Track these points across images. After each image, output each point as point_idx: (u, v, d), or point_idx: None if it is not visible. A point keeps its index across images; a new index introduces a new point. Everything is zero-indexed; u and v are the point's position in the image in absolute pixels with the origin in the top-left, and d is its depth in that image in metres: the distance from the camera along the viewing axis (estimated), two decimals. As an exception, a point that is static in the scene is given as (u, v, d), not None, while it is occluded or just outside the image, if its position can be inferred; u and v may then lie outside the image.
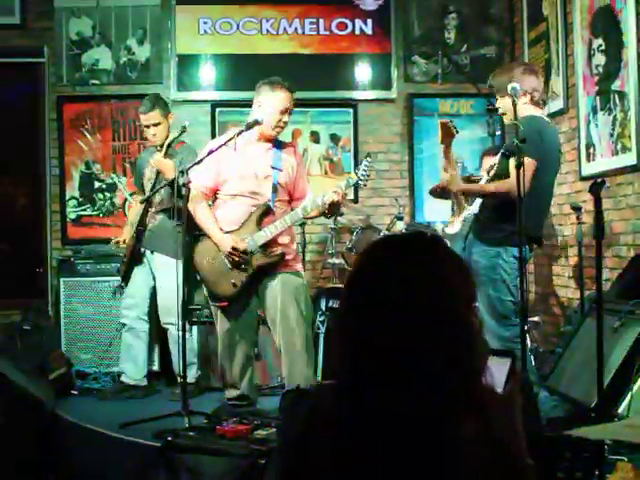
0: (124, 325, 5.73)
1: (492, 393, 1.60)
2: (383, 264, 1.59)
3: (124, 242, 5.88)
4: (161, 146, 5.53)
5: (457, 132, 4.51)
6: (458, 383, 1.51)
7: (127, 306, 5.74)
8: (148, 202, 5.57)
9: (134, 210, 6.01)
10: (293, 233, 4.94)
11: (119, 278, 5.83)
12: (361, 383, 1.54)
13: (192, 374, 5.62)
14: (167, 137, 5.57)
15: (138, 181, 6.00)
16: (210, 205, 4.90)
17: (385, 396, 1.50)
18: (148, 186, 5.64)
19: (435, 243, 1.65)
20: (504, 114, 4.59)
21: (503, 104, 4.54)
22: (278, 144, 4.87)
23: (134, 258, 5.68)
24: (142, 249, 5.68)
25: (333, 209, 4.67)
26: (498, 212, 4.36)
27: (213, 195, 4.87)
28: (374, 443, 1.49)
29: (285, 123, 4.79)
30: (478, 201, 4.76)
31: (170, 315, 5.41)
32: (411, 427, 1.48)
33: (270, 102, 4.73)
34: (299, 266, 4.86)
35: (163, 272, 5.51)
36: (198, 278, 4.96)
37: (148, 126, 5.64)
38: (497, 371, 1.69)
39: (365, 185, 4.70)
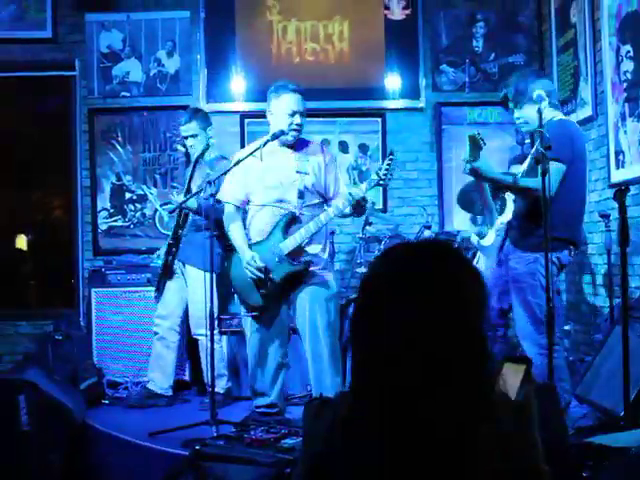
0: (156, 334, 5.77)
1: (505, 400, 1.60)
2: (396, 270, 1.59)
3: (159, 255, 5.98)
4: (197, 159, 5.68)
5: (485, 144, 4.48)
6: (472, 391, 1.51)
7: (160, 315, 5.79)
8: (184, 215, 5.62)
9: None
10: (326, 242, 4.86)
11: (150, 288, 5.90)
12: (374, 392, 1.54)
13: (222, 385, 5.65)
14: (206, 150, 5.68)
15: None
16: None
17: (398, 405, 1.50)
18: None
19: (449, 250, 1.64)
20: (525, 123, 4.55)
21: (521, 114, 4.52)
22: (303, 147, 4.84)
23: (166, 269, 5.74)
24: (175, 260, 5.72)
25: (358, 209, 4.61)
26: (533, 217, 4.28)
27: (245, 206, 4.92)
28: (389, 454, 1.49)
29: (299, 125, 4.72)
30: (509, 209, 4.72)
31: (201, 326, 5.42)
32: (425, 436, 1.48)
33: (278, 107, 4.74)
34: (330, 275, 4.80)
35: (195, 283, 5.55)
36: (232, 289, 4.99)
37: (186, 137, 5.74)
38: (512, 377, 1.68)
39: (387, 184, 4.58)
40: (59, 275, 7.28)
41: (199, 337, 5.62)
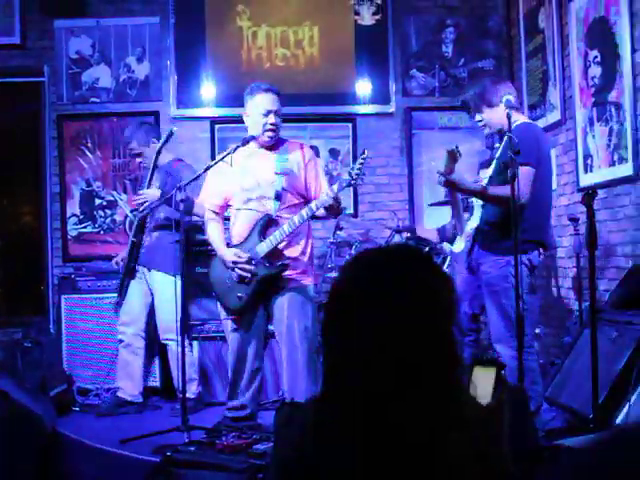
0: (121, 341, 5.74)
1: (476, 405, 1.60)
2: (366, 275, 1.59)
3: (121, 260, 5.92)
4: (154, 167, 5.66)
5: (461, 156, 4.52)
6: (443, 395, 1.51)
7: (124, 323, 5.75)
8: (143, 219, 5.61)
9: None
10: (306, 246, 4.78)
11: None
12: (345, 396, 1.54)
13: (192, 390, 5.62)
14: (157, 159, 5.64)
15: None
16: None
17: (369, 410, 1.50)
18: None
19: (419, 255, 1.65)
20: (485, 126, 4.65)
21: (482, 117, 4.61)
22: (282, 147, 4.79)
23: (128, 274, 5.72)
24: (136, 266, 5.71)
25: (332, 211, 4.59)
26: (504, 221, 4.29)
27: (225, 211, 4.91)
28: (361, 458, 1.49)
29: (274, 125, 4.67)
30: (477, 215, 4.73)
31: (170, 331, 5.42)
32: (396, 440, 1.48)
33: (252, 109, 4.71)
34: (309, 280, 4.76)
35: (161, 289, 5.54)
36: (213, 294, 4.97)
37: (132, 155, 5.86)
38: (483, 381, 1.69)
39: (359, 184, 4.54)
40: (28, 282, 7.22)
41: (168, 342, 5.60)
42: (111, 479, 4.50)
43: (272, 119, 4.67)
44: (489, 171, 4.65)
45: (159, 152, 5.51)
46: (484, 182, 4.58)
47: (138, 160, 5.81)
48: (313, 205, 4.50)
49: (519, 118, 4.57)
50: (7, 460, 4.70)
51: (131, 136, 5.76)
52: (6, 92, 7.16)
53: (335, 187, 4.40)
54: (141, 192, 5.54)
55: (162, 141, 5.45)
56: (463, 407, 1.54)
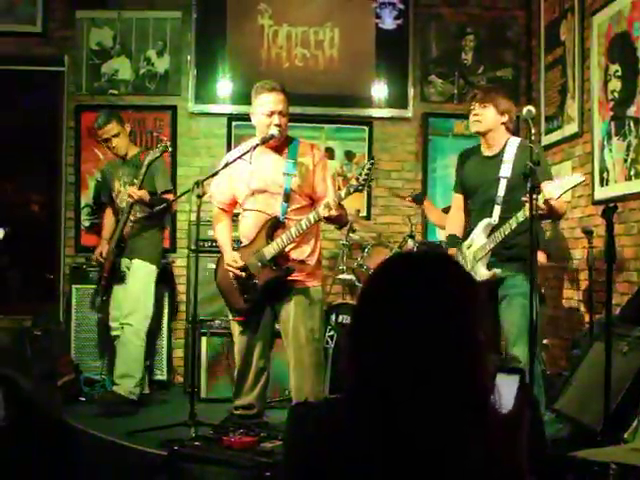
0: (117, 337, 5.69)
1: (498, 412, 1.61)
2: (395, 282, 1.59)
3: (100, 255, 5.84)
4: (124, 157, 5.74)
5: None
6: (467, 401, 1.51)
7: (115, 318, 5.73)
8: (128, 214, 5.62)
9: (109, 224, 6.04)
10: (314, 248, 4.75)
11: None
12: (368, 400, 1.53)
13: (129, 387, 5.50)
14: (128, 147, 5.73)
15: (107, 195, 6.02)
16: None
17: (392, 413, 1.50)
18: (122, 201, 5.69)
19: (446, 261, 1.66)
20: (478, 122, 4.67)
21: (481, 111, 4.65)
22: (292, 148, 4.74)
23: (115, 274, 5.67)
24: (123, 266, 5.68)
25: (333, 222, 4.59)
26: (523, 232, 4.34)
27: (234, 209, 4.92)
28: (379, 460, 1.49)
29: (279, 125, 4.59)
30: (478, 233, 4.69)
31: (129, 315, 5.46)
32: (418, 444, 1.48)
33: (257, 108, 4.67)
34: (316, 282, 4.73)
35: (136, 273, 5.60)
36: (219, 294, 4.98)
37: (108, 139, 5.73)
38: (505, 389, 1.70)
39: (365, 188, 4.51)
40: (39, 270, 7.24)
41: (125, 327, 5.55)
42: (117, 470, 4.50)
43: (276, 120, 4.60)
44: (499, 191, 4.58)
45: (150, 164, 5.45)
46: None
47: (113, 144, 5.72)
48: (320, 209, 4.47)
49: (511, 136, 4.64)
50: (12, 447, 4.72)
51: (108, 119, 5.70)
52: (26, 80, 7.18)
53: (343, 192, 4.37)
54: (133, 191, 5.50)
55: (156, 155, 5.42)
56: (486, 413, 1.55)
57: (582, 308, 5.97)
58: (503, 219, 4.44)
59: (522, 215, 4.22)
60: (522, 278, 4.41)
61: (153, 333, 6.04)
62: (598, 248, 5.42)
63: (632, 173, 5.25)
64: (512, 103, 4.77)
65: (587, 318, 5.51)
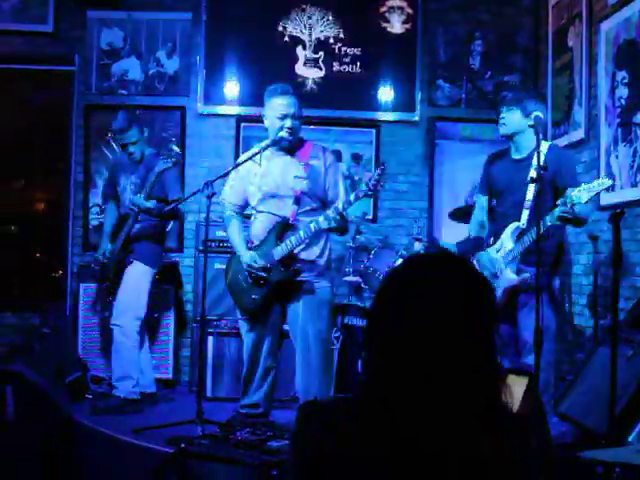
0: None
1: (509, 412, 1.63)
2: (411, 283, 1.61)
3: (104, 254, 5.79)
4: (139, 161, 5.72)
5: None
6: (479, 401, 1.53)
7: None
8: (134, 219, 5.61)
9: (110, 220, 6.01)
10: (324, 249, 4.78)
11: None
12: (381, 400, 1.55)
13: (128, 388, 5.50)
14: (143, 152, 5.73)
15: (111, 186, 6.01)
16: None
17: (400, 414, 1.51)
18: (126, 199, 5.69)
19: (460, 263, 1.69)
20: (504, 125, 4.70)
21: (507, 115, 4.66)
22: (304, 150, 4.78)
23: (120, 275, 5.64)
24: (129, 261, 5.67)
25: (335, 230, 4.61)
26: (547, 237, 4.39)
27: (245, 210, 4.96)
28: (386, 461, 1.50)
29: (290, 129, 4.64)
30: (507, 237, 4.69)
31: (120, 316, 5.48)
32: (426, 446, 1.49)
33: (269, 111, 4.71)
34: (325, 282, 4.76)
35: (129, 273, 5.59)
36: (229, 293, 5.01)
37: (125, 145, 5.72)
38: (515, 389, 1.72)
39: (376, 195, 4.55)
40: (47, 268, 7.28)
41: (115, 327, 5.55)
42: (123, 467, 4.55)
43: (288, 123, 4.64)
44: (527, 195, 4.56)
45: (162, 172, 5.45)
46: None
47: (130, 151, 5.70)
48: (330, 212, 4.48)
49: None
50: (21, 441, 4.76)
51: (130, 125, 5.65)
52: (36, 79, 7.23)
53: (352, 196, 4.40)
54: (136, 202, 5.49)
55: (167, 166, 5.42)
56: (497, 414, 1.56)
57: (587, 313, 6.00)
58: (531, 223, 4.43)
59: (550, 219, 4.24)
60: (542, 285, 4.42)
61: (157, 332, 6.08)
62: (603, 253, 5.46)
63: (638, 179, 5.28)
64: (543, 105, 4.77)
65: (592, 323, 5.54)
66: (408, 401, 1.52)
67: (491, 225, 4.95)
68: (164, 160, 5.44)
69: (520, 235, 4.52)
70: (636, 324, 4.61)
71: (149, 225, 5.62)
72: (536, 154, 4.20)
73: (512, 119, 4.64)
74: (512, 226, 4.58)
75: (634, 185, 5.33)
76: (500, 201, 4.82)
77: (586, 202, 4.14)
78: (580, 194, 4.12)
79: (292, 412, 5.04)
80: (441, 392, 1.51)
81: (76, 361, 6.08)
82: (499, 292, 4.56)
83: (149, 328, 5.98)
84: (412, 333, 1.54)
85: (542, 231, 4.21)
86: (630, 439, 3.83)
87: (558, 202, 4.21)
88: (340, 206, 4.43)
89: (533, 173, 4.47)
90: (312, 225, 4.53)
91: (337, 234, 4.81)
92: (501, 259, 4.60)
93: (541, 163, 4.16)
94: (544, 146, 4.59)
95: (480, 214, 5.03)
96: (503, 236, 4.63)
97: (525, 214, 4.54)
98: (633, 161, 5.34)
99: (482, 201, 5.02)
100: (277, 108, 4.67)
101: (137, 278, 5.56)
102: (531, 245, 4.37)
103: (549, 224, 4.24)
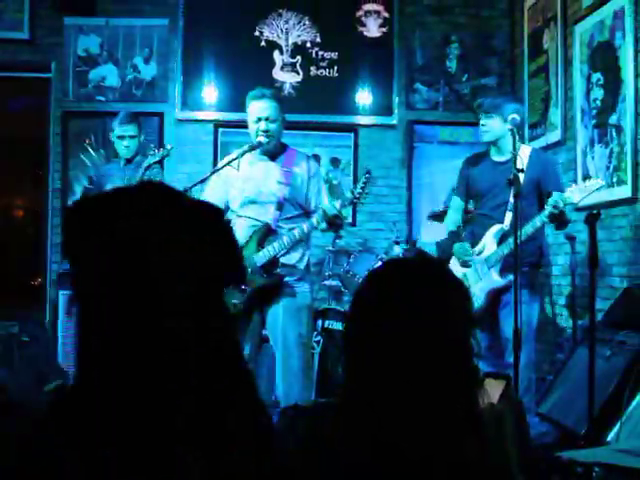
0: None
1: (487, 414, 1.64)
2: (388, 288, 1.61)
3: None
4: (129, 160, 5.71)
5: None
6: (460, 405, 1.54)
7: None
8: None
9: None
10: (304, 253, 4.75)
11: None
12: (358, 404, 1.55)
13: None
14: (135, 152, 5.73)
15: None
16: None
17: (380, 419, 1.51)
18: None
19: (438, 267, 1.70)
20: (486, 132, 4.73)
21: (487, 122, 4.69)
22: (287, 157, 4.77)
23: None
24: None
25: (334, 226, 4.58)
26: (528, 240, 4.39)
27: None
28: (373, 464, 1.50)
29: (265, 132, 4.60)
30: (490, 239, 4.70)
31: None
32: (413, 448, 1.49)
33: (248, 115, 4.71)
34: (305, 286, 4.74)
35: None
36: None
37: (122, 137, 5.72)
38: (492, 392, 1.74)
39: (361, 201, 4.57)
40: (25, 276, 7.25)
41: None
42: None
43: (262, 125, 4.61)
44: (510, 197, 4.50)
45: (149, 167, 5.38)
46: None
47: (125, 144, 5.71)
48: (314, 220, 4.50)
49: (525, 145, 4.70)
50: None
51: (132, 119, 5.73)
52: (13, 86, 7.20)
53: (337, 204, 4.42)
54: None
55: (156, 158, 5.35)
56: (478, 417, 1.57)
57: (565, 313, 6.04)
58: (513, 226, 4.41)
59: (540, 220, 4.29)
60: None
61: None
62: (581, 254, 5.50)
63: (614, 180, 5.32)
64: (520, 105, 4.81)
65: (570, 323, 5.57)
66: (388, 405, 1.51)
67: (469, 227, 4.97)
68: (152, 155, 5.42)
69: (504, 237, 4.55)
70: (614, 324, 4.64)
71: None
72: (512, 156, 4.23)
73: (492, 125, 4.67)
74: (494, 228, 4.61)
75: (610, 186, 5.36)
76: (481, 204, 4.84)
77: (579, 202, 4.19)
78: (572, 194, 4.16)
79: (273, 417, 5.04)
80: (420, 396, 1.51)
81: (57, 369, 6.05)
82: (482, 295, 4.59)
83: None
84: (389, 337, 1.54)
85: (532, 232, 4.26)
86: (609, 439, 3.86)
87: (548, 202, 4.24)
88: (328, 209, 4.45)
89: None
90: (296, 232, 4.54)
91: (333, 231, 4.82)
92: (483, 261, 4.63)
93: (521, 166, 4.19)
94: (526, 150, 4.63)
95: (454, 215, 5.05)
96: (485, 239, 4.65)
97: (508, 216, 4.56)
98: (609, 162, 5.38)
99: (458, 203, 5.05)
100: (253, 111, 4.66)
101: None
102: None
103: (539, 224, 4.28)
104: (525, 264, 4.34)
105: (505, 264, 4.54)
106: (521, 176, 4.39)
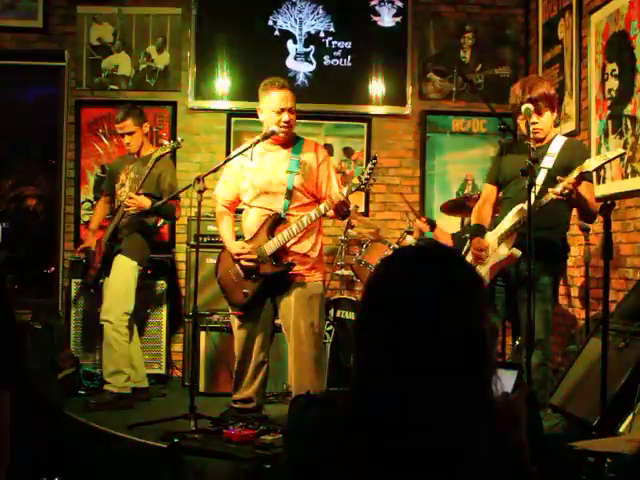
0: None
1: (501, 402, 1.63)
2: (400, 275, 1.59)
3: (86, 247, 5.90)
4: (137, 154, 5.73)
5: None
6: (474, 393, 1.52)
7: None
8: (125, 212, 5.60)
9: (99, 215, 6.16)
10: (316, 242, 4.78)
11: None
12: (375, 393, 1.53)
13: (120, 383, 5.49)
14: (142, 145, 5.73)
15: (109, 184, 6.03)
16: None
17: (400, 407, 1.50)
18: (122, 193, 5.68)
19: (450, 254, 1.68)
20: (539, 130, 4.45)
21: (542, 120, 4.45)
22: (297, 146, 4.78)
23: (107, 267, 5.64)
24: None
25: (340, 213, 4.56)
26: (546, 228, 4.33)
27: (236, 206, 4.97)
28: (384, 452, 1.48)
29: (287, 123, 4.65)
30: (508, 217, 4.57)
31: (108, 312, 5.47)
32: (427, 436, 1.48)
33: (265, 104, 4.70)
34: (317, 275, 4.77)
35: (116, 269, 5.59)
36: (219, 288, 5.00)
37: (123, 135, 5.75)
38: (504, 383, 1.73)
39: (368, 189, 4.53)
40: (39, 265, 7.27)
41: (104, 323, 5.53)
42: (117, 463, 4.54)
43: (286, 117, 4.65)
44: (537, 180, 4.33)
45: (158, 159, 5.40)
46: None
47: (126, 141, 5.74)
48: (322, 207, 4.52)
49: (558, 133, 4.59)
50: (15, 440, 4.75)
51: (125, 116, 5.69)
52: (26, 75, 7.20)
53: (345, 190, 4.42)
54: (132, 197, 5.49)
55: (165, 151, 5.36)
56: (492, 406, 1.56)
57: (578, 304, 6.02)
58: (534, 202, 4.18)
59: (552, 194, 4.09)
60: (546, 279, 4.38)
61: (149, 327, 6.10)
62: (594, 245, 5.48)
63: (629, 171, 5.29)
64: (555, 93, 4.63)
65: (583, 314, 5.56)
66: (400, 395, 1.50)
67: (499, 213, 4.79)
68: (162, 146, 5.42)
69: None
70: (627, 315, 4.63)
71: (137, 220, 5.60)
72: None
73: (546, 123, 4.45)
74: (517, 207, 4.40)
75: (625, 177, 5.34)
76: (509, 187, 4.61)
77: (594, 170, 4.06)
78: (590, 162, 3.99)
79: (285, 406, 5.06)
80: (432, 384, 1.50)
81: (69, 357, 6.07)
82: (487, 272, 4.46)
83: (139, 323, 5.97)
84: (401, 325, 1.53)
85: (544, 204, 4.16)
86: (621, 429, 3.85)
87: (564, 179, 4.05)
88: (335, 195, 4.45)
89: (547, 161, 4.41)
90: (304, 219, 4.55)
91: (340, 218, 4.78)
92: (496, 239, 4.52)
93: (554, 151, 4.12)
94: (559, 138, 4.53)
95: (483, 203, 4.75)
96: (505, 218, 4.49)
97: (532, 197, 4.34)
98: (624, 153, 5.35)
99: (488, 189, 4.79)
100: (274, 101, 4.67)
101: (123, 273, 5.53)
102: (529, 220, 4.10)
103: (553, 197, 4.10)
104: (548, 256, 4.31)
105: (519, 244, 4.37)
106: (547, 161, 4.33)
